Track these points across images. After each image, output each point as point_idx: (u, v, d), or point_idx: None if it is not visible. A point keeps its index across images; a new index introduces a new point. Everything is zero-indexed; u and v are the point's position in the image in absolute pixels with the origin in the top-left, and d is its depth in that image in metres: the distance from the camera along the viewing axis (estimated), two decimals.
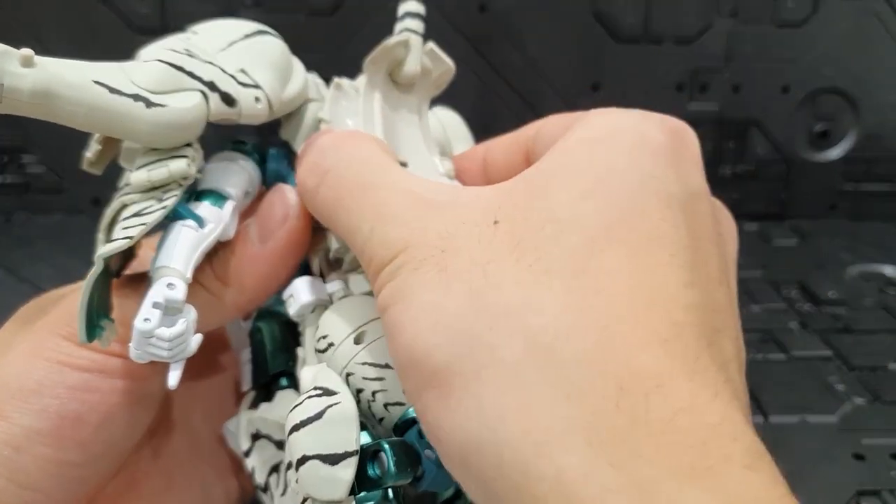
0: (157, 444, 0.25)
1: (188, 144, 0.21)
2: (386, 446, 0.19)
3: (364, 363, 0.20)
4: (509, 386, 0.15)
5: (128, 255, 0.23)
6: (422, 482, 0.19)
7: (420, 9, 0.26)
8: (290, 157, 0.25)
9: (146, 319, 0.19)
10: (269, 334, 0.25)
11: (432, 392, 0.16)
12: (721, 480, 0.14)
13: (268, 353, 0.25)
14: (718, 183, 0.57)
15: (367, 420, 0.21)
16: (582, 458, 0.14)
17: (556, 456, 0.14)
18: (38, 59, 0.19)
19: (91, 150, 0.23)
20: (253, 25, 0.24)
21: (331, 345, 0.21)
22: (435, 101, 0.28)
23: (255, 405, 0.25)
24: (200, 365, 0.28)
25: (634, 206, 0.17)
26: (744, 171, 0.57)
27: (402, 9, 0.26)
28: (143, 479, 0.25)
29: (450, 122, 0.29)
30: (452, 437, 0.16)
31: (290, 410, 0.20)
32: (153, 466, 0.25)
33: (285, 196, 0.23)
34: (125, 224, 0.20)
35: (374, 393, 0.20)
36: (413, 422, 0.20)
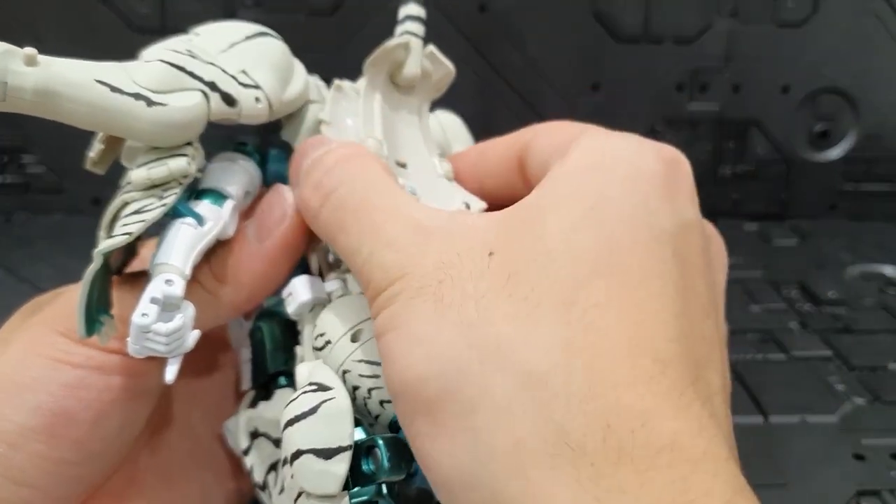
0: (156, 443, 0.26)
1: (189, 143, 0.22)
2: (380, 442, 0.19)
3: (360, 361, 0.21)
4: (499, 422, 0.15)
5: (129, 252, 0.23)
6: (415, 478, 0.19)
7: (421, 12, 0.26)
8: (290, 157, 0.26)
9: (144, 314, 0.19)
10: (269, 334, 0.26)
11: (424, 421, 0.17)
12: None
13: (267, 353, 0.25)
14: (718, 183, 0.57)
15: (363, 417, 0.21)
16: (570, 495, 0.14)
17: (545, 494, 0.15)
18: (42, 57, 0.19)
19: (94, 150, 0.23)
20: (254, 27, 0.24)
21: (328, 342, 0.21)
22: (436, 102, 0.28)
23: (254, 404, 0.25)
24: (200, 364, 0.28)
25: (625, 239, 0.17)
26: (744, 171, 0.57)
27: (403, 12, 0.26)
28: (141, 478, 0.25)
29: (450, 125, 0.29)
30: (442, 468, 0.16)
31: (286, 406, 0.20)
32: (152, 465, 0.25)
33: (283, 196, 0.23)
34: (125, 221, 0.20)
35: (369, 390, 0.20)
36: None
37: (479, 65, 0.53)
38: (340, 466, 0.18)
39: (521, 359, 0.16)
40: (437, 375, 0.16)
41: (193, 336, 0.20)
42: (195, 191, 0.23)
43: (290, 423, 0.19)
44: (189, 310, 0.20)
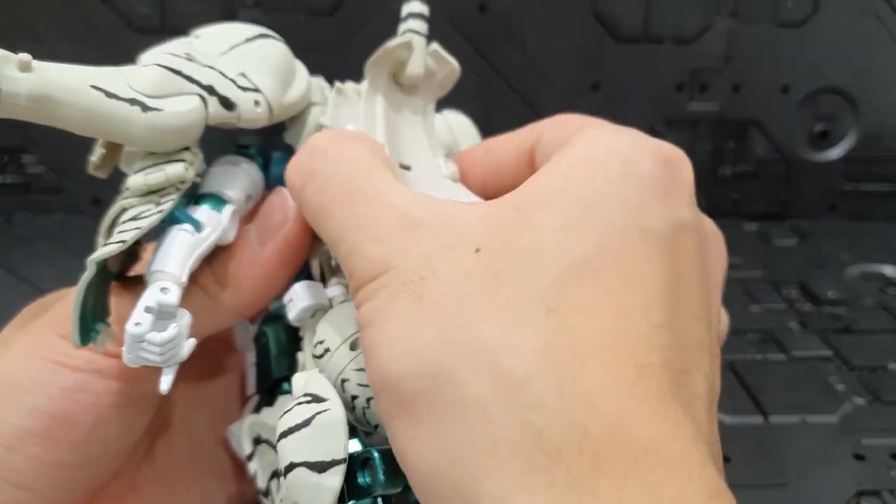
0: (158, 447, 0.25)
1: (186, 148, 0.21)
2: (376, 454, 0.19)
3: (359, 369, 0.20)
4: (475, 424, 0.15)
5: (130, 258, 0.23)
6: (412, 491, 0.19)
7: (423, 9, 0.26)
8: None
9: (137, 324, 0.18)
10: (274, 338, 0.25)
11: (402, 419, 0.16)
12: None
13: (272, 358, 0.25)
14: (718, 183, 0.57)
15: (362, 426, 0.21)
16: (543, 501, 0.14)
17: (517, 498, 0.14)
18: (36, 63, 0.19)
19: (95, 154, 0.23)
20: (255, 29, 0.24)
21: (327, 350, 0.21)
22: (439, 103, 0.28)
23: (258, 409, 0.25)
24: (205, 368, 0.27)
25: (615, 240, 0.17)
26: (744, 171, 0.57)
27: (406, 9, 0.26)
28: (143, 482, 0.25)
29: (458, 125, 0.28)
30: (418, 467, 0.16)
31: (280, 416, 0.20)
32: (154, 470, 0.25)
33: (285, 199, 0.23)
34: (122, 228, 0.20)
35: (368, 400, 0.20)
36: None
37: (479, 65, 0.53)
38: (334, 480, 0.18)
39: (500, 361, 0.16)
40: (416, 375, 0.16)
41: (189, 345, 0.20)
42: (195, 195, 0.22)
43: (284, 434, 0.19)
44: (185, 318, 0.20)
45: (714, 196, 0.57)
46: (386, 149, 0.23)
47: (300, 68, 0.25)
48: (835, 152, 0.57)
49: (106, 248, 0.19)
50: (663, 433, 0.15)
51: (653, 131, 0.56)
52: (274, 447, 0.24)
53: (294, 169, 0.21)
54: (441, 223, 0.18)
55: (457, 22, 0.52)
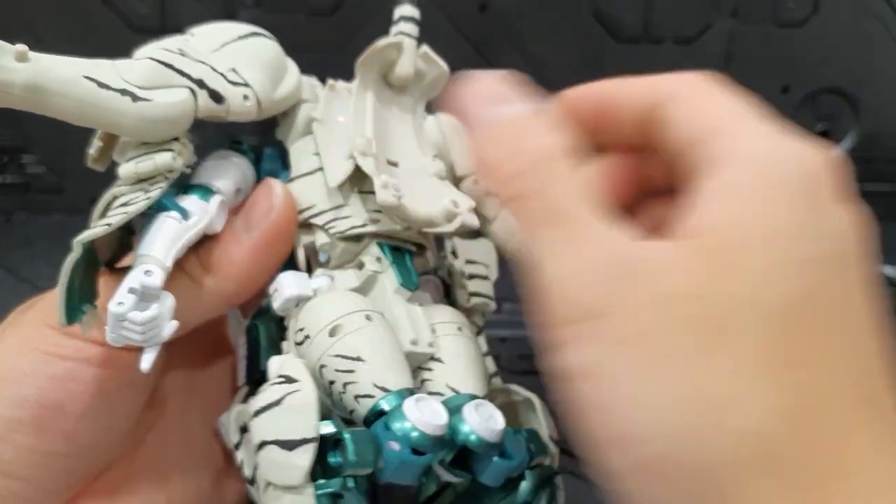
0: (153, 438, 0.26)
1: (176, 139, 0.22)
2: (346, 436, 0.19)
3: (336, 355, 0.21)
4: (729, 481, 0.15)
5: (122, 247, 0.23)
6: (383, 473, 0.19)
7: (414, 13, 0.27)
8: (283, 156, 0.26)
9: (120, 303, 0.19)
10: (264, 331, 0.26)
11: (637, 478, 0.17)
12: None
13: (262, 350, 0.26)
14: None
15: (340, 412, 0.21)
16: None
17: None
18: (32, 54, 0.20)
19: (93, 147, 0.23)
20: (248, 28, 0.25)
21: (307, 337, 0.22)
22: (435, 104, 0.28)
23: (246, 400, 0.26)
24: (200, 362, 0.28)
25: (826, 274, 0.17)
26: None
27: (398, 13, 0.27)
28: (137, 472, 0.25)
29: (450, 129, 0.29)
30: None
31: (255, 397, 0.20)
32: (148, 461, 0.25)
33: (272, 189, 0.24)
34: (111, 213, 0.21)
35: (345, 385, 0.21)
36: (381, 413, 0.20)
37: (479, 64, 0.53)
38: (304, 458, 0.19)
39: (740, 421, 0.16)
40: (656, 436, 0.16)
41: (171, 326, 0.20)
42: (184, 186, 0.23)
43: (256, 413, 0.19)
44: (168, 301, 0.20)
45: None
46: (373, 144, 0.24)
47: (291, 66, 0.26)
48: (835, 152, 0.57)
49: (92, 230, 0.20)
50: None
51: None
52: None
53: (510, 177, 0.20)
54: (650, 269, 0.17)
55: (457, 22, 0.52)
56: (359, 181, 0.24)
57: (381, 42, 0.25)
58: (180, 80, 0.22)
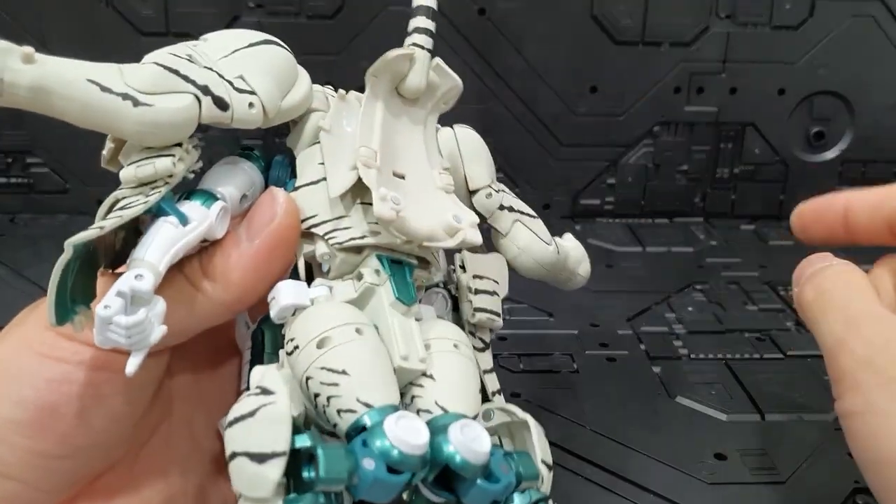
0: (157, 441, 0.26)
1: (178, 144, 0.22)
2: (320, 451, 0.19)
3: (322, 367, 0.20)
4: None
5: (130, 248, 0.23)
6: (357, 490, 0.19)
7: (429, 24, 0.26)
8: (293, 164, 0.26)
9: (106, 306, 0.19)
10: (269, 337, 0.26)
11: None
12: None
13: (265, 356, 0.25)
14: (716, 184, 0.58)
15: (323, 424, 0.21)
16: None
17: None
18: (39, 56, 0.20)
19: (106, 148, 0.23)
20: (260, 35, 0.25)
21: (296, 347, 0.21)
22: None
23: None
24: (207, 366, 0.28)
25: None
26: (741, 173, 0.58)
27: (412, 24, 0.26)
28: (139, 474, 0.25)
29: (466, 141, 0.28)
30: None
31: (233, 406, 0.20)
32: (151, 463, 0.25)
33: (275, 197, 0.23)
34: (109, 216, 0.21)
35: (328, 398, 0.20)
36: (362, 429, 0.20)
37: (478, 67, 0.53)
38: (273, 471, 0.18)
39: None
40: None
41: (159, 331, 0.20)
42: (188, 190, 0.23)
43: (230, 424, 0.19)
44: (158, 306, 0.20)
45: (711, 197, 0.58)
46: (378, 156, 0.24)
47: (303, 75, 0.25)
48: (831, 154, 0.58)
49: (83, 233, 0.20)
50: None
51: (651, 133, 0.56)
52: None
53: (810, 287, 0.27)
54: None
55: (457, 25, 0.52)
56: (361, 192, 0.24)
57: (392, 53, 0.25)
58: (185, 85, 0.22)
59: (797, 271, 0.28)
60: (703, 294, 0.49)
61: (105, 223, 0.20)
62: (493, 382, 0.26)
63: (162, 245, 0.21)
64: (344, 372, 0.20)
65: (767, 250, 0.55)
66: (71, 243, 0.19)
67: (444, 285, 0.28)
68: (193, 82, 0.22)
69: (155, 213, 0.22)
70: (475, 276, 0.27)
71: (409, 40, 0.26)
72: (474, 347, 0.27)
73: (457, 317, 0.27)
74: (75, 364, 0.22)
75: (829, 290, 0.26)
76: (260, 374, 0.21)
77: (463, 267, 0.27)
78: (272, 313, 0.23)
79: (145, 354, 0.20)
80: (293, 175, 0.25)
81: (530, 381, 0.40)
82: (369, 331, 0.22)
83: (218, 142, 0.23)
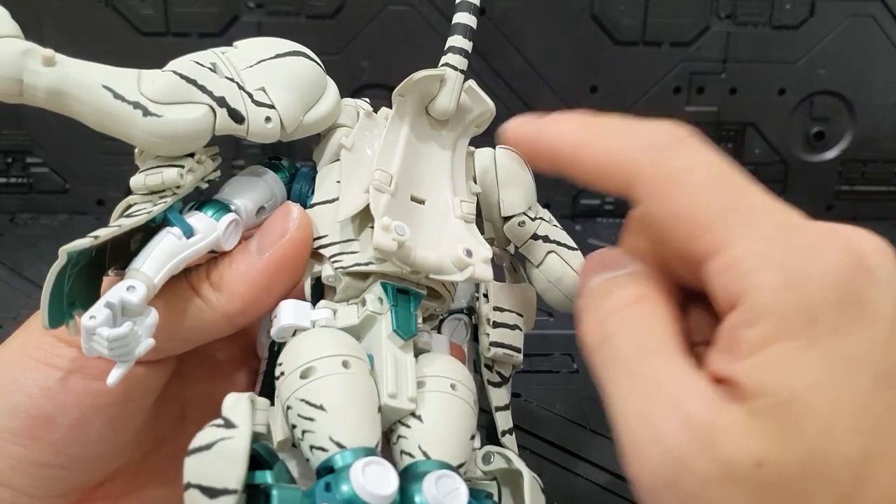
0: (166, 451, 0.25)
1: (191, 155, 0.22)
2: (274, 492, 0.18)
3: (302, 399, 0.20)
4: None
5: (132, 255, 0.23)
6: None
7: (466, 44, 0.25)
8: (314, 178, 0.25)
9: (92, 317, 0.19)
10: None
11: None
12: None
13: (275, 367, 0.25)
14: None
15: (296, 458, 0.21)
16: None
17: None
18: (60, 58, 0.20)
19: (137, 147, 0.23)
20: (290, 46, 0.24)
21: (282, 373, 0.21)
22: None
23: None
24: (224, 375, 0.27)
25: (880, 421, 0.17)
26: None
27: (449, 42, 0.25)
28: (142, 485, 0.25)
29: (504, 165, 0.27)
30: None
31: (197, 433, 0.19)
32: (157, 471, 0.25)
33: (289, 212, 0.23)
34: (111, 224, 0.21)
35: (303, 432, 0.20)
36: (329, 471, 0.19)
37: (478, 66, 0.53)
38: None
39: None
40: None
41: (145, 345, 0.20)
42: (201, 201, 0.23)
43: (189, 453, 0.19)
44: (148, 319, 0.20)
45: None
46: (393, 181, 0.23)
47: (331, 90, 0.24)
48: (831, 154, 0.58)
49: (79, 241, 0.20)
50: None
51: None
52: None
53: (591, 325, 0.20)
54: (717, 436, 0.17)
55: None
56: (372, 217, 0.23)
57: (421, 73, 0.24)
58: (201, 96, 0.21)
59: (582, 275, 0.22)
60: None
61: (100, 232, 0.20)
62: (505, 421, 0.26)
63: (161, 257, 0.21)
64: (321, 407, 0.20)
65: None
66: (65, 250, 0.19)
67: (469, 312, 0.27)
68: (210, 93, 0.22)
69: (161, 222, 0.21)
70: (496, 308, 0.26)
71: (442, 60, 0.25)
72: (489, 382, 0.26)
73: (476, 346, 0.27)
74: (71, 372, 0.21)
75: (614, 334, 0.20)
76: (230, 402, 0.20)
77: (486, 296, 0.26)
78: (272, 332, 0.23)
79: (130, 367, 0.20)
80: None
81: (530, 382, 0.40)
82: (358, 364, 0.21)
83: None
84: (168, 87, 0.21)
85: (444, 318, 0.27)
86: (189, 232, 0.21)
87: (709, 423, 0.17)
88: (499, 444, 0.25)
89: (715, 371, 0.18)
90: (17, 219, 0.55)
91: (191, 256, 0.21)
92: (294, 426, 0.20)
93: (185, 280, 0.22)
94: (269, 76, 0.23)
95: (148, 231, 0.22)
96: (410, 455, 0.21)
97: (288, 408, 0.20)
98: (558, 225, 0.28)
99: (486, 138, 0.27)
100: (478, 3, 0.26)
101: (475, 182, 0.27)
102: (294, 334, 0.22)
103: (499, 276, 0.28)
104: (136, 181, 0.22)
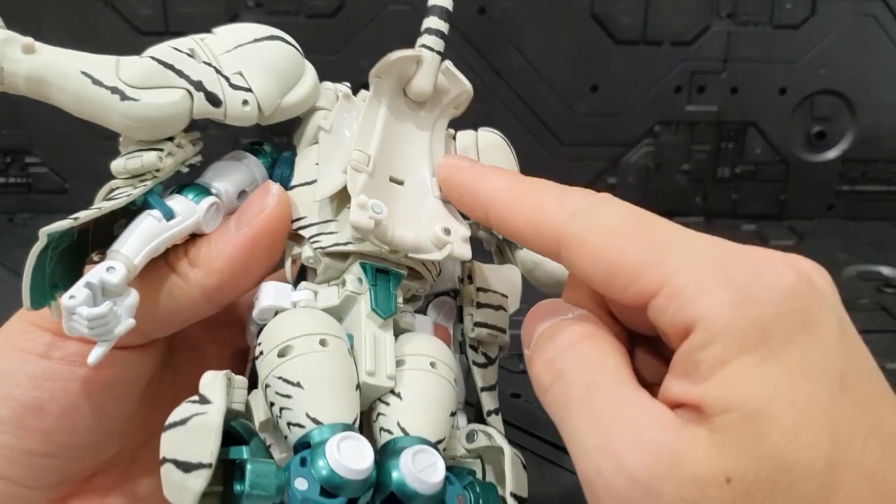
0: (158, 444, 0.26)
1: (171, 139, 0.22)
2: (248, 465, 0.18)
3: (280, 377, 0.20)
4: None
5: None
6: None
7: (442, 25, 0.25)
8: (293, 162, 0.25)
9: (72, 296, 0.19)
10: None
11: None
12: None
13: None
14: (717, 184, 0.58)
15: (279, 439, 0.21)
16: None
17: None
18: (40, 46, 0.21)
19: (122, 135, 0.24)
20: (266, 31, 0.25)
21: (261, 353, 0.21)
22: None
23: None
24: (217, 365, 0.28)
25: (841, 425, 0.17)
26: (742, 172, 0.58)
27: (425, 24, 0.25)
28: (136, 477, 0.25)
29: (486, 144, 0.27)
30: None
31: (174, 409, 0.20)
32: (149, 465, 0.25)
33: (268, 191, 0.23)
34: (91, 207, 0.21)
35: (281, 409, 0.20)
36: (306, 446, 0.19)
37: (478, 66, 0.53)
38: (197, 482, 0.18)
39: None
40: None
41: (125, 325, 0.20)
42: (182, 184, 0.23)
43: (165, 428, 0.19)
44: (129, 299, 0.20)
45: (712, 197, 0.58)
46: (371, 160, 0.23)
47: (308, 73, 0.25)
48: (832, 153, 0.58)
49: (59, 223, 0.20)
50: None
51: (651, 133, 0.56)
52: None
53: (543, 364, 0.21)
54: (680, 459, 0.17)
55: (456, 23, 0.52)
56: (350, 197, 0.23)
57: (396, 53, 0.24)
58: (178, 80, 0.22)
59: (526, 326, 0.22)
60: None
61: (80, 214, 0.20)
62: (490, 401, 0.26)
63: (140, 239, 0.21)
64: (298, 384, 0.20)
65: None
66: (45, 231, 0.20)
67: (455, 293, 0.27)
68: (188, 78, 0.22)
69: (141, 205, 0.22)
70: (480, 289, 0.26)
71: (419, 40, 0.25)
72: (475, 363, 0.26)
73: (461, 327, 0.27)
74: (58, 360, 0.22)
75: (565, 371, 0.20)
76: (207, 380, 0.20)
77: (471, 278, 0.27)
78: (253, 313, 0.23)
79: (110, 346, 0.20)
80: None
81: (530, 382, 0.40)
82: (336, 343, 0.21)
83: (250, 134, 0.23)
84: (145, 72, 0.22)
85: (431, 299, 0.27)
86: (169, 214, 0.22)
87: (673, 445, 0.17)
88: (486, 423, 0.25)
89: (672, 398, 0.18)
90: (15, 219, 0.55)
91: (171, 239, 0.22)
92: (272, 404, 0.20)
93: (163, 260, 0.23)
94: (247, 60, 0.23)
95: (131, 215, 0.22)
96: (389, 431, 0.21)
97: (266, 386, 0.21)
98: None
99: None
100: None
101: None
102: (275, 315, 0.22)
103: (486, 259, 0.28)
104: (116, 165, 0.22)
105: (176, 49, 0.22)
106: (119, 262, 0.20)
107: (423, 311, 0.26)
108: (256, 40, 0.24)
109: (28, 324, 0.22)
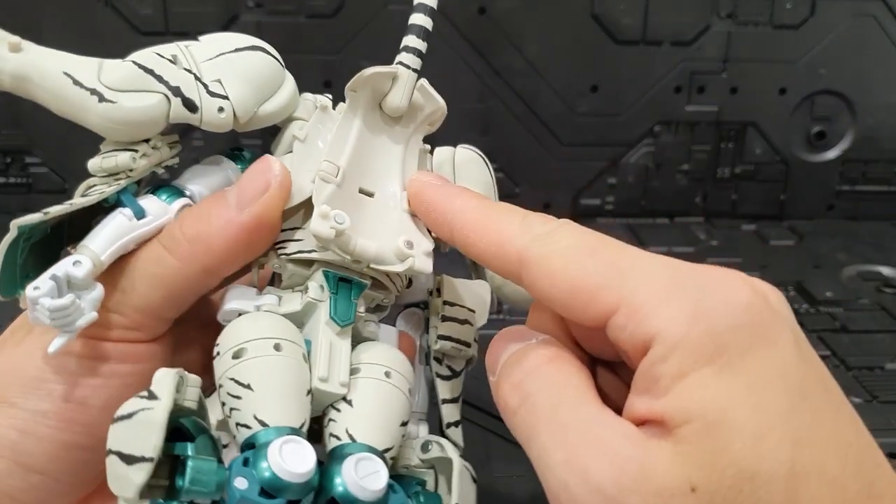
0: None
1: (146, 141, 0.23)
2: (190, 462, 0.19)
3: (232, 378, 0.21)
4: None
5: None
6: None
7: (420, 45, 0.26)
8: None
9: (36, 287, 0.20)
10: None
11: None
12: None
13: None
14: (717, 184, 0.58)
15: (229, 432, 0.21)
16: None
17: None
18: (27, 45, 0.22)
19: None
20: (250, 41, 0.25)
21: (218, 353, 0.22)
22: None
23: None
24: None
25: (801, 432, 0.17)
26: (742, 172, 0.58)
27: (404, 41, 0.26)
28: None
29: (462, 162, 0.28)
30: None
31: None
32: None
33: (270, 166, 0.23)
34: (65, 202, 0.22)
35: (231, 410, 0.21)
36: (252, 447, 0.20)
37: (478, 66, 0.53)
38: (138, 476, 0.18)
39: None
40: None
41: (87, 318, 0.21)
42: (155, 185, 0.24)
43: (113, 421, 0.19)
44: (94, 293, 0.21)
45: (712, 197, 0.58)
46: (340, 172, 0.24)
47: (287, 84, 0.25)
48: (832, 153, 0.58)
49: (30, 216, 0.21)
50: None
51: (651, 133, 0.56)
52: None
53: (511, 387, 0.21)
54: (647, 471, 0.17)
55: (456, 24, 0.52)
56: None
57: (371, 70, 0.25)
58: (157, 85, 0.22)
59: (491, 352, 0.22)
60: None
61: (52, 209, 0.21)
62: (450, 413, 0.26)
63: (109, 236, 0.22)
64: (248, 386, 0.21)
65: (768, 250, 0.55)
66: (16, 223, 0.21)
67: (425, 305, 0.28)
68: (167, 83, 0.23)
69: (114, 203, 0.23)
70: (446, 303, 0.27)
71: (396, 58, 0.26)
72: (439, 375, 0.26)
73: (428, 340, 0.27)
74: (92, 358, 0.22)
75: (532, 394, 0.20)
76: (158, 377, 0.21)
77: (439, 291, 0.27)
78: (218, 315, 0.23)
79: (72, 338, 0.21)
80: None
81: None
82: (291, 348, 0.22)
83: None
84: (126, 75, 0.22)
85: (402, 310, 0.28)
86: (140, 214, 0.22)
87: (638, 458, 0.17)
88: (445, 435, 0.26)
89: (636, 415, 0.18)
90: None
91: (141, 237, 0.23)
92: (224, 403, 0.21)
93: (154, 240, 0.23)
94: (226, 69, 0.24)
95: (107, 212, 0.23)
96: (337, 437, 0.22)
97: (220, 386, 0.21)
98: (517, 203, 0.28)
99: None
100: (434, 6, 0.26)
101: None
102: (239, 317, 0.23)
103: (460, 273, 0.28)
104: (93, 163, 0.23)
105: (159, 55, 0.23)
106: (86, 256, 0.21)
107: (392, 321, 0.27)
108: (238, 49, 0.25)
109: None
